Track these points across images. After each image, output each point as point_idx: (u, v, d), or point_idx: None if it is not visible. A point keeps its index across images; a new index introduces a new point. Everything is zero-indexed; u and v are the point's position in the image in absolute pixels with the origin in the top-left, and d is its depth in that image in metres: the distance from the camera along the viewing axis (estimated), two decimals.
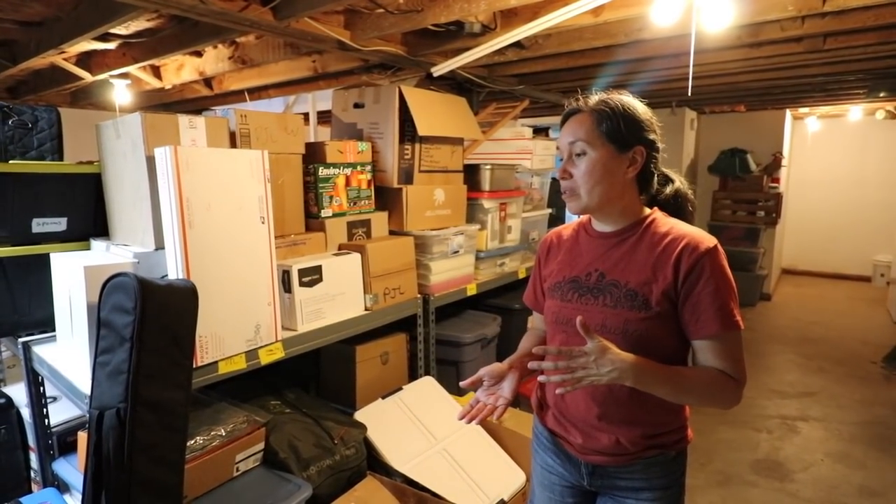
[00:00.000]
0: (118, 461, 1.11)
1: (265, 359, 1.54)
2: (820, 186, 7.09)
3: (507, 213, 2.52)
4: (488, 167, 2.38)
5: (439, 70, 2.37)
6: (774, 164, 5.83)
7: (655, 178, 1.18)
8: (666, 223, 1.13)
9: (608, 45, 2.55)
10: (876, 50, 2.82)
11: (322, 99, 3.91)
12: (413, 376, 2.17)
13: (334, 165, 1.94)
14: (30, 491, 1.84)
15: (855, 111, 5.88)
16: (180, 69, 3.27)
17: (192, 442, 1.40)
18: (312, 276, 1.70)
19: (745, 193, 5.80)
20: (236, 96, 3.92)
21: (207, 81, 3.65)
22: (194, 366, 1.37)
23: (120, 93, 3.33)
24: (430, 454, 1.79)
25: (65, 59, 3.08)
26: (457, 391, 2.26)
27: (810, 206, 7.13)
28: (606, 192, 1.10)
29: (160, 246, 1.46)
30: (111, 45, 2.81)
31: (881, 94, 4.11)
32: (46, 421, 1.68)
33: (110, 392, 1.15)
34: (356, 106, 2.15)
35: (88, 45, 2.78)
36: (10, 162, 1.59)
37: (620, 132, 1.08)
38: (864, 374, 3.86)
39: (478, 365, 2.36)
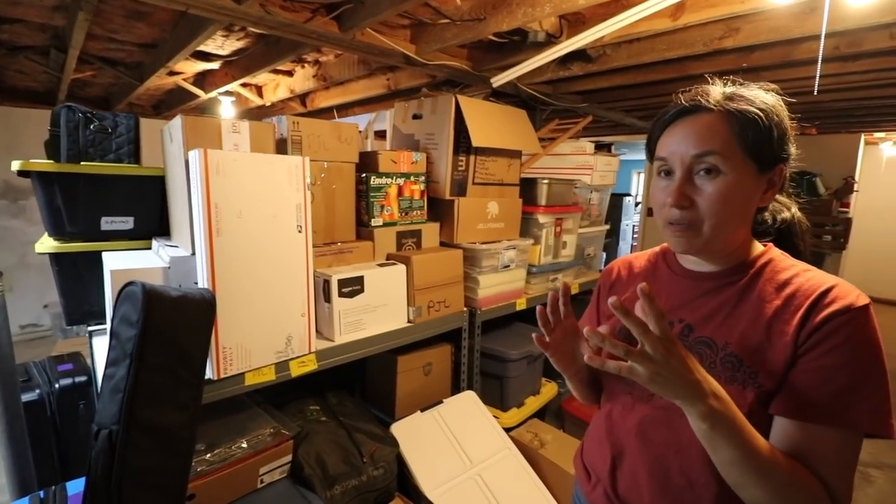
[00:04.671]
0: (104, 487, 0.86)
1: (296, 371, 1.25)
2: (890, 214, 5.90)
3: (563, 228, 2.11)
4: (545, 181, 1.98)
5: (499, 80, 2.00)
6: (846, 189, 4.86)
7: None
8: (790, 267, 0.69)
9: (682, 57, 2.06)
10: None
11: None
12: (456, 387, 1.82)
13: (387, 175, 1.63)
14: None
15: None
16: (276, 88, 3.14)
17: (211, 455, 1.14)
18: (353, 286, 1.40)
19: (812, 217, 4.87)
20: (327, 113, 3.77)
21: (302, 100, 3.50)
22: (216, 377, 1.11)
23: (226, 108, 3.25)
24: (462, 479, 1.44)
25: (184, 80, 3.04)
26: (499, 406, 1.89)
27: (878, 232, 5.96)
28: (735, 228, 0.68)
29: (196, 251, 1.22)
30: (215, 65, 2.71)
31: None
32: None
33: (108, 410, 0.90)
34: (415, 117, 1.84)
35: (196, 65, 2.69)
36: (82, 164, 1.42)
37: (770, 146, 0.66)
38: None
39: (523, 382, 1.97)
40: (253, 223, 1.14)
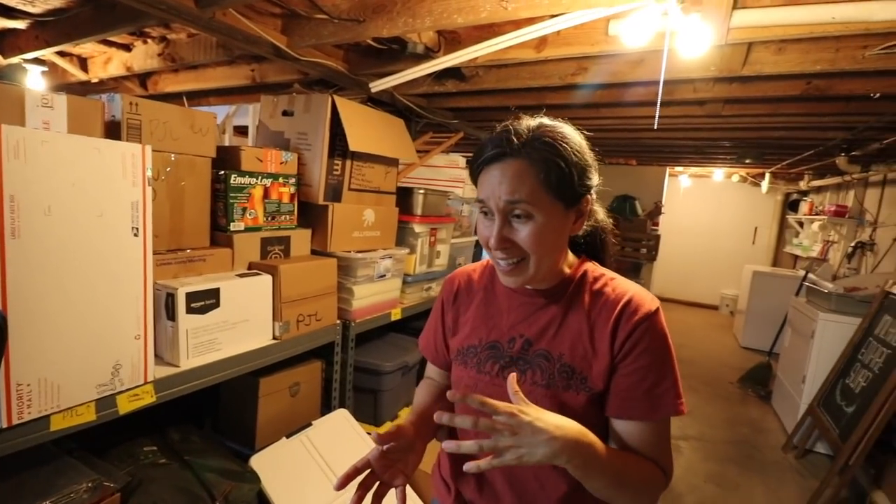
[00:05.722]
0: None
1: (126, 407, 1.02)
2: (684, 232, 7.36)
3: (437, 238, 2.13)
4: (422, 191, 1.98)
5: (378, 86, 1.95)
6: (656, 211, 5.90)
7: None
8: (600, 278, 0.77)
9: (541, 87, 2.25)
10: (760, 121, 2.74)
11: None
12: (327, 406, 1.69)
13: (251, 174, 1.45)
14: None
15: (718, 173, 6.10)
16: (108, 63, 2.61)
17: None
18: (205, 300, 1.20)
19: (632, 233, 5.82)
20: (175, 100, 3.27)
21: (142, 81, 2.98)
22: (6, 425, 0.84)
23: (34, 80, 2.60)
24: None
25: None
26: (373, 422, 1.81)
27: (676, 246, 7.37)
28: (556, 258, 0.74)
29: None
30: (21, 25, 2.15)
31: (747, 161, 4.17)
32: None
33: None
34: (285, 113, 1.68)
35: None
36: None
37: (572, 186, 0.69)
38: (727, 393, 3.81)
39: (397, 393, 1.92)
40: (68, 223, 0.89)
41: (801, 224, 5.77)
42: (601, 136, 3.74)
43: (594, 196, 0.76)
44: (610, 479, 0.64)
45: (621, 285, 0.75)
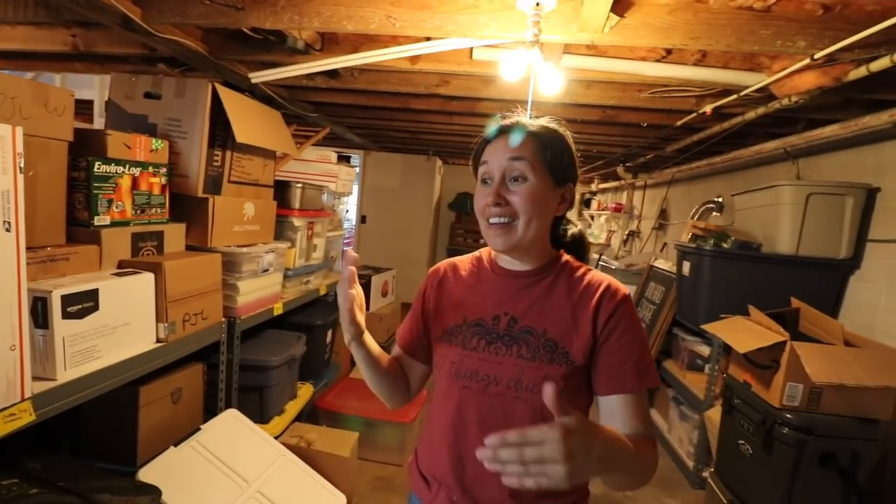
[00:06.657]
0: None
1: (2, 429, 0.87)
2: None
3: (314, 232, 2.15)
4: (300, 185, 1.98)
5: (261, 77, 1.88)
6: None
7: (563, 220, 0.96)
8: (579, 267, 0.89)
9: (407, 93, 2.45)
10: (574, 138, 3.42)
11: (76, 84, 2.78)
12: (211, 409, 1.61)
13: (118, 162, 1.30)
14: None
15: None
16: None
17: None
18: (84, 303, 1.07)
19: (473, 226, 6.50)
20: None
21: None
22: None
23: None
24: (241, 502, 1.31)
25: None
26: (259, 419, 1.78)
27: None
28: (540, 229, 0.82)
29: None
30: None
31: None
32: None
33: None
34: (148, 96, 1.52)
35: None
36: None
37: (562, 164, 0.82)
38: None
39: (283, 388, 1.92)
40: None
41: (592, 217, 7.23)
42: (451, 139, 4.13)
43: (575, 196, 0.89)
44: (625, 474, 0.66)
45: (598, 274, 0.84)
